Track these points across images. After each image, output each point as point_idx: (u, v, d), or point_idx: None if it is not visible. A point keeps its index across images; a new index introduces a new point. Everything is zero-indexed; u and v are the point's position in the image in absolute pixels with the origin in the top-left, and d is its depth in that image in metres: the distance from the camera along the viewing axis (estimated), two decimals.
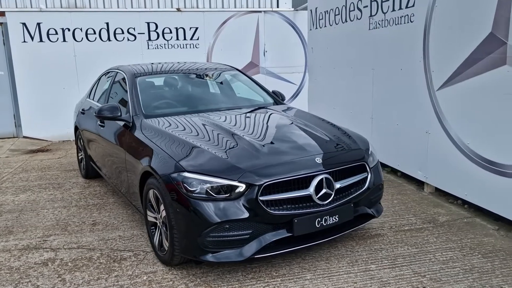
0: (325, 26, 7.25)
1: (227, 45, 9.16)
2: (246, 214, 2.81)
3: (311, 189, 2.97)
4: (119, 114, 3.95)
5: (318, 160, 3.07)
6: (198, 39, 9.04)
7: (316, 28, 7.63)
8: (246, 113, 4.06)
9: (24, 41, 8.26)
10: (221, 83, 4.86)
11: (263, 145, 3.20)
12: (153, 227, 3.37)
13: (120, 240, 3.75)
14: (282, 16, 9.37)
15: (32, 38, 8.28)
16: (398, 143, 5.25)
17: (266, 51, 9.41)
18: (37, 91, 8.43)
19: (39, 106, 8.44)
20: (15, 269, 3.29)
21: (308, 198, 2.99)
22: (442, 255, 3.31)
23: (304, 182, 2.98)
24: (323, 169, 3.04)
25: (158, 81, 4.61)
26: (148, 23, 8.75)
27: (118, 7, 8.80)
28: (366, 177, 3.34)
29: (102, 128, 4.50)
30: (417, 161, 4.88)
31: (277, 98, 4.80)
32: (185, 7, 9.08)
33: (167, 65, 4.86)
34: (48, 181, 5.74)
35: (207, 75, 4.83)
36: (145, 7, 8.92)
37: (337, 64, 6.85)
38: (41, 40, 8.32)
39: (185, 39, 8.98)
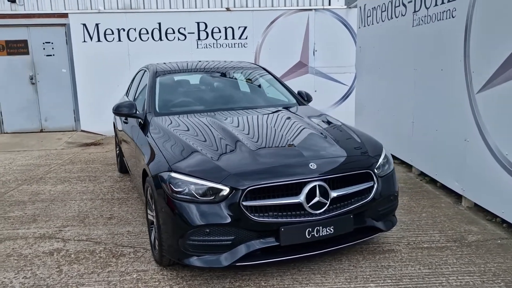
0: (372, 23, 6.86)
1: (275, 44, 9.03)
2: (227, 219, 2.68)
3: (301, 197, 2.77)
4: (134, 111, 4.01)
5: (313, 165, 2.85)
6: (246, 38, 9.01)
7: (365, 26, 7.25)
8: (257, 114, 3.91)
9: (84, 41, 8.78)
10: (243, 82, 4.76)
11: (260, 148, 3.05)
12: (152, 225, 3.36)
13: (127, 235, 3.80)
14: (334, 14, 9.04)
15: (91, 38, 8.78)
16: (437, 150, 4.79)
17: (316, 50, 9.13)
18: (94, 88, 8.92)
19: (95, 102, 8.93)
20: (23, 256, 3.45)
21: (299, 206, 2.79)
22: (457, 280, 2.93)
23: (295, 189, 2.79)
24: (317, 175, 2.82)
25: (179, 79, 4.62)
26: (198, 23, 8.89)
27: (170, 7, 9.04)
28: (372, 187, 3.05)
29: (126, 124, 4.61)
30: (455, 171, 4.40)
31: (300, 98, 4.60)
32: (234, 7, 9.10)
33: (193, 64, 4.87)
34: (87, 174, 6.02)
35: (230, 74, 4.76)
36: (196, 7, 9.07)
37: (382, 64, 6.44)
38: (99, 40, 8.80)
39: (233, 38, 9.00)
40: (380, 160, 3.21)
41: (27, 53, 8.96)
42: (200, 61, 5.09)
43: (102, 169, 6.27)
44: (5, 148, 8.12)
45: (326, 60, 9.18)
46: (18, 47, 8.93)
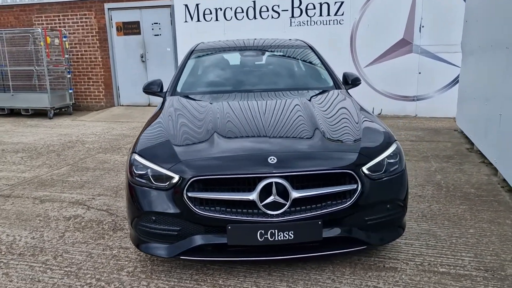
0: None
1: (375, 20, 8.18)
2: (171, 209, 2.53)
3: (254, 194, 2.44)
4: (158, 89, 4.05)
5: (272, 160, 2.48)
6: (342, 14, 8.34)
7: None
8: (267, 99, 3.54)
9: (185, 21, 9.21)
10: (282, 61, 4.40)
11: (229, 138, 2.78)
12: None
13: None
14: None
15: (192, 18, 9.16)
16: None
17: (422, 26, 7.99)
18: None
19: None
20: (47, 218, 3.82)
21: (252, 204, 2.47)
22: None
23: (248, 184, 2.47)
24: (275, 171, 2.44)
25: (213, 58, 4.49)
26: (293, 0, 8.54)
27: None
28: (354, 190, 2.52)
29: None
30: None
31: (340, 82, 4.06)
32: None
33: (236, 42, 4.70)
34: None
35: (271, 53, 4.44)
36: None
37: (484, 41, 5.30)
38: (198, 20, 9.14)
39: (328, 15, 8.42)
40: (378, 160, 2.63)
41: (139, 33, 9.83)
42: (247, 39, 4.87)
43: None
44: (114, 118, 9.14)
45: (434, 37, 7.97)
46: (132, 28, 9.85)
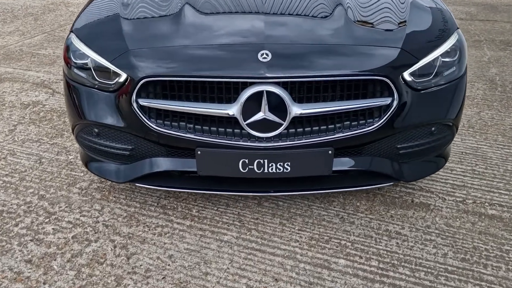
0: None
1: None
2: (117, 121, 1.76)
3: (235, 108, 1.62)
4: None
5: (265, 56, 1.60)
6: None
7: None
8: None
9: None
10: None
11: (203, 12, 1.89)
12: None
13: None
14: None
15: None
16: None
17: None
18: None
19: None
20: (1, 104, 3.14)
21: (233, 121, 1.68)
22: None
23: (227, 92, 1.64)
24: (268, 74, 1.58)
25: None
26: None
27: None
28: (388, 106, 1.68)
29: None
30: None
31: None
32: None
33: None
34: None
35: None
36: None
37: None
38: None
39: None
40: (429, 59, 1.73)
41: None
42: None
43: None
44: None
45: None
46: None
